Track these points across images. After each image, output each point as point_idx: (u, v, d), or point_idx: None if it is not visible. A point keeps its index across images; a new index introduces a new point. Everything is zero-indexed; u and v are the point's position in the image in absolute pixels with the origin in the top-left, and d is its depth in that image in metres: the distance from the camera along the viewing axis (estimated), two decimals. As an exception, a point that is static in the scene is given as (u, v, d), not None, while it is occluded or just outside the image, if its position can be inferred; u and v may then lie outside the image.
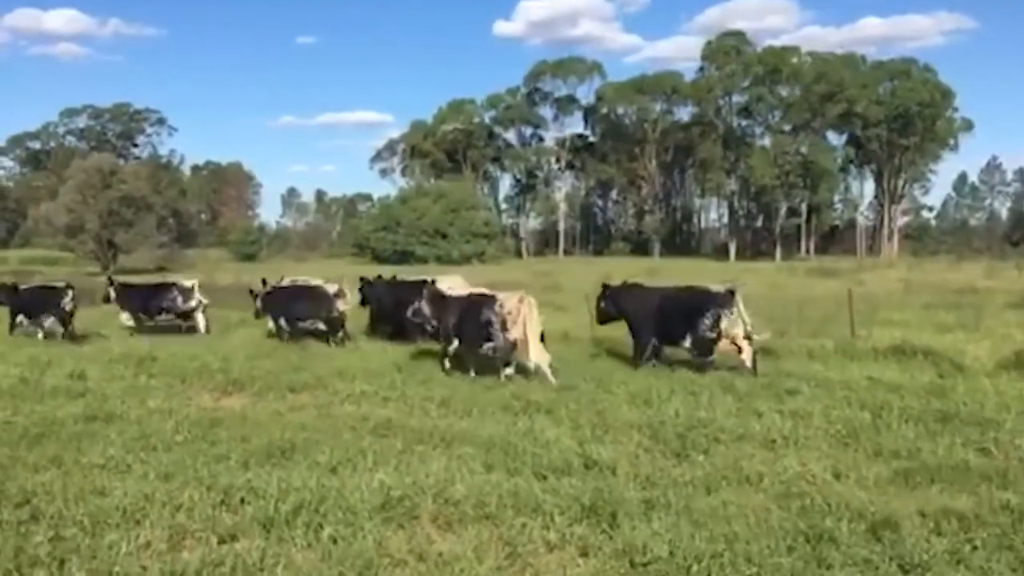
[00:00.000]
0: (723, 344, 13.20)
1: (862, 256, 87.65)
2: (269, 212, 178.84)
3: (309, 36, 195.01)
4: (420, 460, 7.79)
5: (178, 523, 6.15)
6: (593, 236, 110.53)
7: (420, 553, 5.61)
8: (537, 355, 12.58)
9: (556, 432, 8.91)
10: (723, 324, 12.93)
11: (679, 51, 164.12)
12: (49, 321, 18.27)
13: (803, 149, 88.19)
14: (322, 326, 17.47)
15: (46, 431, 9.05)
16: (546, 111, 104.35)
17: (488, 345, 12.84)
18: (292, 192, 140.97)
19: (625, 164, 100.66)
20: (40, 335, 18.17)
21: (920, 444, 8.38)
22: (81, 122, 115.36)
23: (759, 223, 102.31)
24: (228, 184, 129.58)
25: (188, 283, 20.01)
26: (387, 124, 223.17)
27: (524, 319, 12.60)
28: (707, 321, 12.97)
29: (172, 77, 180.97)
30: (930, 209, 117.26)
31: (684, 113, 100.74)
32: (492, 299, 13.05)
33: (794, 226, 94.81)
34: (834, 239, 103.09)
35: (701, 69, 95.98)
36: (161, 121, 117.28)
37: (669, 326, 13.51)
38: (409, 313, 14.39)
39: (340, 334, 17.32)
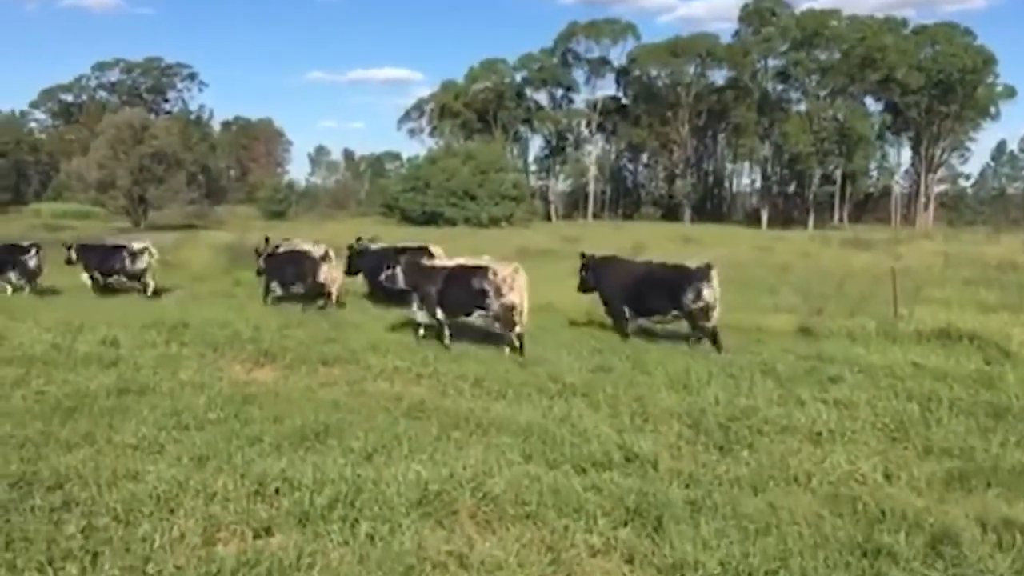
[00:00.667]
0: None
1: (897, 226, 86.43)
2: (298, 169, 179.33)
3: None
4: (456, 447, 7.62)
5: (212, 513, 6.01)
6: (623, 200, 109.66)
7: (460, 556, 5.42)
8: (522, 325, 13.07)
9: (594, 419, 8.71)
10: (705, 295, 13.54)
11: (713, 11, 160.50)
12: (13, 277, 19.65)
13: (840, 115, 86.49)
14: (306, 290, 17.98)
15: (78, 404, 8.96)
16: (578, 72, 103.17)
17: (480, 313, 13.19)
18: (320, 150, 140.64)
19: (657, 128, 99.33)
20: (9, 291, 19.53)
21: (972, 441, 8.08)
22: (113, 76, 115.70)
23: (791, 189, 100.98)
24: (257, 140, 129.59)
25: (137, 245, 20.48)
26: (416, 81, 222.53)
27: (520, 287, 12.99)
28: (691, 295, 13.61)
29: (202, 30, 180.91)
30: (967, 177, 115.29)
31: (718, 76, 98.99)
32: (484, 268, 13.33)
33: (827, 193, 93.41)
34: (868, 207, 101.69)
35: (737, 32, 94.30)
36: (192, 76, 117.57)
37: (650, 299, 14.28)
38: (382, 277, 14.66)
39: (322, 301, 17.75)
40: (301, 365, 11.60)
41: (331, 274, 17.90)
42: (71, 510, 6.03)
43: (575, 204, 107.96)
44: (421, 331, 13.84)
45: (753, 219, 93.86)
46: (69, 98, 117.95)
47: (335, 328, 14.84)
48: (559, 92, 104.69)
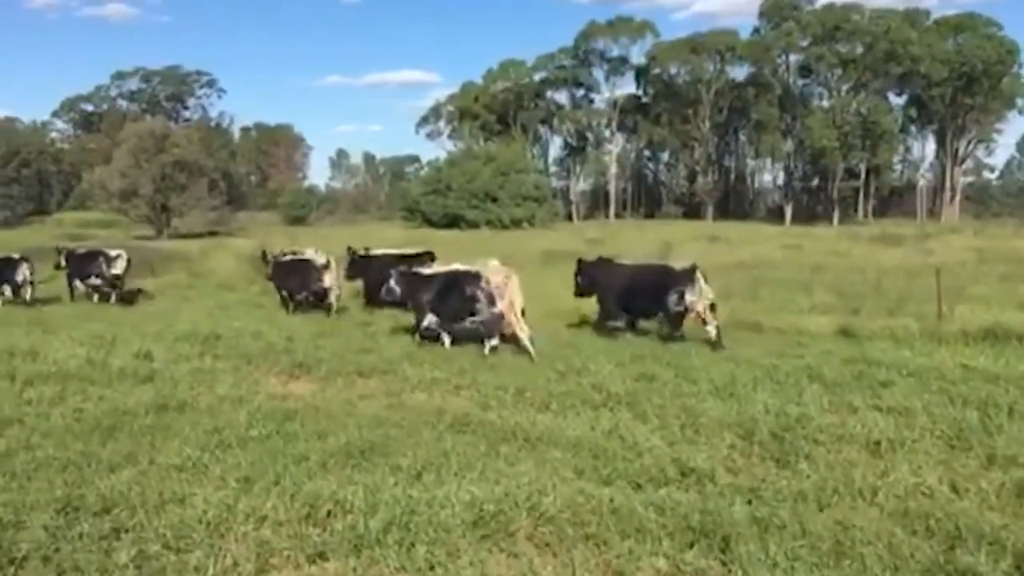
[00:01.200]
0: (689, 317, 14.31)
1: (923, 220, 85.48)
2: (318, 173, 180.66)
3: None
4: (506, 463, 7.42)
5: (264, 539, 5.85)
6: (644, 199, 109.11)
7: (524, 583, 5.24)
8: (522, 329, 13.33)
9: (643, 430, 8.48)
10: (688, 299, 13.98)
11: (728, 6, 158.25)
12: (6, 290, 20.34)
13: (863, 109, 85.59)
14: (311, 297, 18.58)
15: (117, 422, 8.84)
16: (597, 72, 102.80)
17: (472, 319, 13.54)
18: (341, 154, 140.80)
19: (678, 125, 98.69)
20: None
21: (1037, 449, 7.79)
22: (132, 84, 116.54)
23: (814, 185, 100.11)
24: (277, 146, 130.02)
25: (113, 252, 21.55)
26: (433, 84, 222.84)
27: (511, 294, 13.37)
28: (673, 297, 14.04)
29: (219, 37, 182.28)
30: (992, 170, 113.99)
31: (739, 73, 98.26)
32: (476, 275, 13.68)
33: (851, 188, 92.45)
34: (892, 202, 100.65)
35: (757, 28, 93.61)
36: (211, 83, 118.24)
37: (639, 301, 14.68)
38: (383, 292, 14.96)
39: (328, 306, 18.19)
40: (337, 377, 11.46)
41: (333, 281, 18.52)
42: (120, 537, 5.89)
43: (596, 204, 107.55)
44: (446, 340, 13.73)
45: (776, 216, 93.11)
46: (90, 108, 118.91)
47: (368, 337, 14.72)
48: (579, 92, 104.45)
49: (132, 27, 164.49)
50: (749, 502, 6.48)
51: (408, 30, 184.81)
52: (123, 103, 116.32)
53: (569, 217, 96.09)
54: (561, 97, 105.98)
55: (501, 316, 13.31)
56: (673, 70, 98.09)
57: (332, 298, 18.32)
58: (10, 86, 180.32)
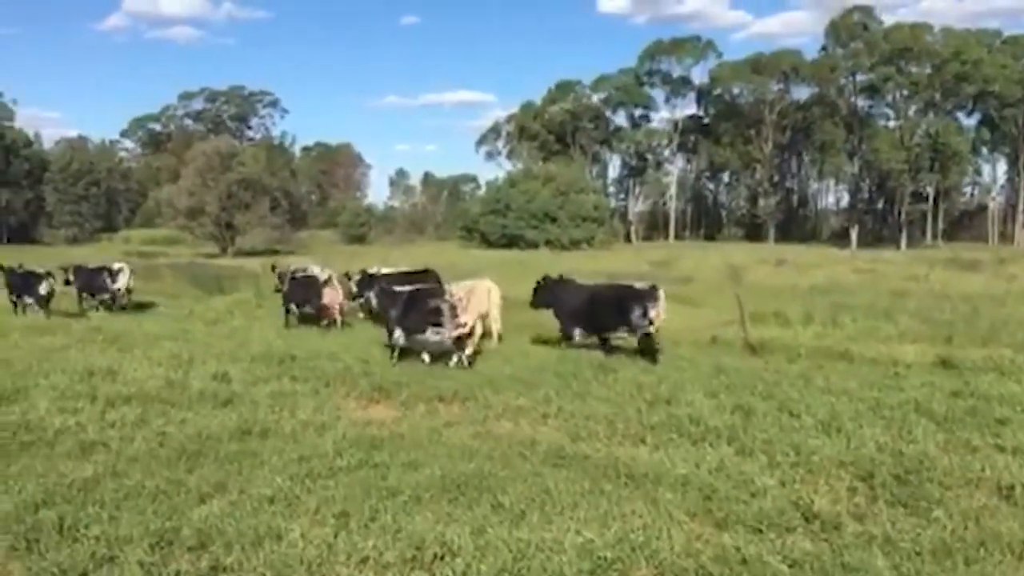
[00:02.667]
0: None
1: (995, 243, 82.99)
2: (376, 192, 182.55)
3: (413, 16, 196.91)
4: (613, 503, 6.96)
5: (370, 583, 5.50)
6: (704, 220, 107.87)
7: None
8: (472, 345, 14.10)
9: (752, 468, 7.96)
10: (651, 314, 14.75)
11: (788, 27, 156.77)
12: (29, 301, 21.12)
13: (932, 130, 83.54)
14: (314, 311, 19.44)
15: (202, 448, 8.59)
16: (658, 92, 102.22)
17: (433, 331, 13.88)
18: (401, 173, 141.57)
19: (739, 146, 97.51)
20: (21, 311, 21.02)
21: None
22: (198, 104, 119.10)
23: (880, 207, 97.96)
24: (337, 165, 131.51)
25: (116, 266, 22.94)
26: (489, 104, 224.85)
27: (474, 309, 14.17)
28: (638, 312, 14.82)
29: (281, 58, 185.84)
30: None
31: (802, 93, 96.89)
32: (440, 289, 14.42)
33: (919, 211, 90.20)
34: (962, 224, 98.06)
35: (823, 48, 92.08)
36: (274, 103, 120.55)
37: (603, 318, 15.41)
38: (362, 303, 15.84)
39: (326, 321, 19.08)
40: (418, 402, 11.10)
41: (334, 296, 19.30)
42: (219, 576, 5.58)
43: (654, 225, 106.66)
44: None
45: (840, 238, 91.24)
46: (157, 127, 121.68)
47: (445, 361, 14.38)
48: (637, 112, 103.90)
49: (197, 49, 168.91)
50: (886, 554, 5.95)
51: (463, 51, 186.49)
52: (189, 122, 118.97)
53: (628, 238, 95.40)
54: (620, 118, 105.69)
55: (461, 331, 13.83)
56: (735, 90, 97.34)
57: (336, 311, 19.19)
58: (80, 106, 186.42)
